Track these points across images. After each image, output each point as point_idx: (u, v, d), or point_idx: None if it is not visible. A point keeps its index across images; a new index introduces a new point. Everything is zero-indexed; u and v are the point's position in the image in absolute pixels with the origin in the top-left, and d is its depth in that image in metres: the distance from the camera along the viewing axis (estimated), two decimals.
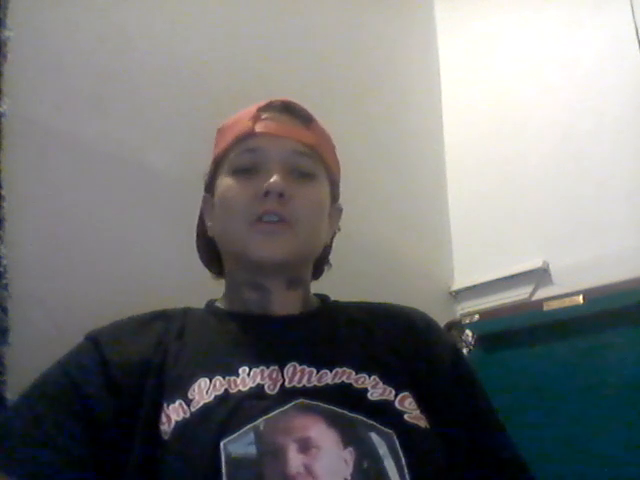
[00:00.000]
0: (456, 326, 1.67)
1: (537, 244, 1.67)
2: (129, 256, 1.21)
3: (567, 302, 1.48)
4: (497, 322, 1.63)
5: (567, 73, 1.69)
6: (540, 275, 1.64)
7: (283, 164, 0.85)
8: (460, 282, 1.81)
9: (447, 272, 1.83)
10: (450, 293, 1.81)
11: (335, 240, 0.96)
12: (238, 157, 0.86)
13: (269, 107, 0.88)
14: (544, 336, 1.51)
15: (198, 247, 0.97)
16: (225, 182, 0.86)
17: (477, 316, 1.67)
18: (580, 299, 1.46)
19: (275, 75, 1.49)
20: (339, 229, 0.96)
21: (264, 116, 0.87)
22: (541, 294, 1.62)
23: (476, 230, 1.82)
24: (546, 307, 1.52)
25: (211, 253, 0.94)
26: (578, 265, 1.56)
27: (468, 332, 1.64)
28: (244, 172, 0.85)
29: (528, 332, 1.54)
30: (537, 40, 1.79)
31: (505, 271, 1.70)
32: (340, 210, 0.95)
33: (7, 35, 1.07)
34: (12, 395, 0.90)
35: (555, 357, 1.47)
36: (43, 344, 0.92)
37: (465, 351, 1.62)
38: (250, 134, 0.86)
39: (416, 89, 1.97)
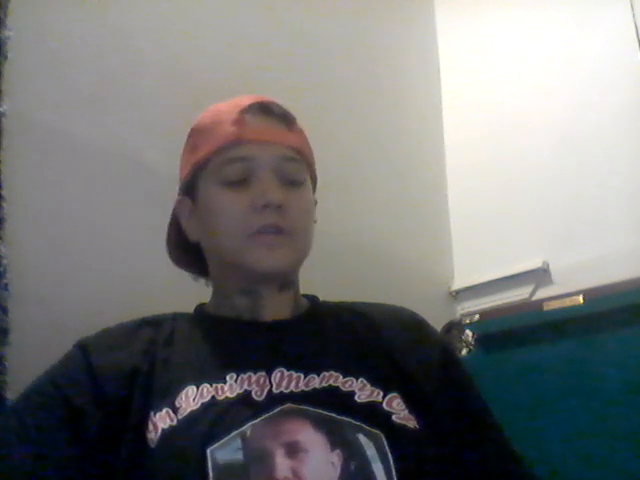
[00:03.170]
0: (456, 326, 1.67)
1: (537, 244, 1.67)
2: (129, 256, 1.20)
3: (567, 302, 1.48)
4: (497, 322, 1.62)
5: (567, 73, 1.69)
6: (540, 275, 1.64)
7: (274, 172, 0.84)
8: (460, 282, 1.81)
9: (447, 272, 1.83)
10: (450, 293, 1.81)
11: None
12: (227, 167, 0.84)
13: (251, 109, 0.86)
14: (544, 336, 1.50)
15: (170, 246, 0.95)
16: (214, 192, 0.84)
17: (477, 316, 1.67)
18: (580, 299, 1.46)
19: (275, 76, 1.49)
20: (315, 220, 0.95)
21: (248, 119, 0.85)
22: (541, 294, 1.62)
23: (476, 230, 1.82)
24: (546, 307, 1.52)
25: (189, 255, 0.94)
26: (578, 265, 1.56)
27: (468, 332, 1.64)
28: (235, 182, 0.83)
29: (528, 332, 1.54)
30: (537, 40, 1.79)
31: (505, 271, 1.70)
32: (315, 202, 0.94)
33: (7, 35, 1.07)
34: (12, 395, 0.90)
35: (555, 357, 1.47)
36: (43, 344, 0.92)
37: (465, 351, 1.62)
38: (238, 141, 0.84)
39: (416, 89, 1.96)
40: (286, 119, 0.88)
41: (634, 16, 1.56)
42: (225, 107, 0.88)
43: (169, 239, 0.95)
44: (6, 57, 1.07)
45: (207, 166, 0.86)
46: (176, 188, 0.95)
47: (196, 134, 0.90)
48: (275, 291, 0.86)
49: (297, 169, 0.87)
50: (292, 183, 0.85)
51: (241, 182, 0.83)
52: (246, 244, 0.82)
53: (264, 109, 0.87)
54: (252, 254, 0.81)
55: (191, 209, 0.89)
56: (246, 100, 0.87)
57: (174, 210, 0.93)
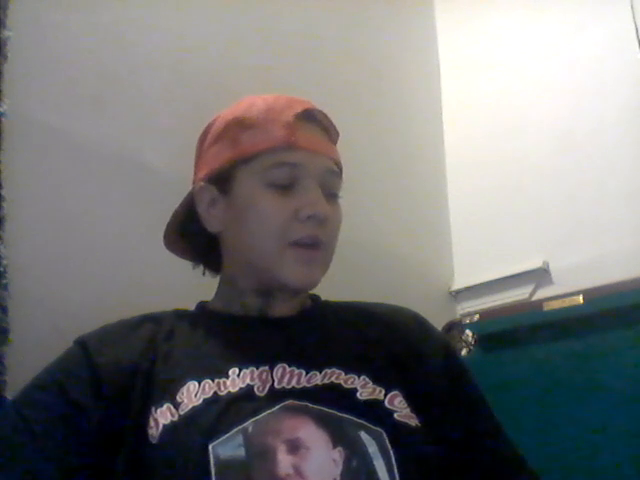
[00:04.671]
0: (456, 326, 1.67)
1: (537, 244, 1.67)
2: (129, 256, 1.21)
3: (567, 302, 1.48)
4: (497, 322, 1.63)
5: (567, 73, 1.69)
6: (540, 275, 1.64)
7: (320, 184, 0.83)
8: (460, 282, 1.81)
9: (447, 272, 1.83)
10: (450, 293, 1.81)
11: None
12: (276, 169, 0.82)
13: (303, 115, 0.84)
14: (544, 336, 1.50)
15: (169, 230, 0.92)
16: (257, 192, 0.82)
17: (477, 316, 1.67)
18: (580, 299, 1.46)
19: (276, 74, 1.49)
20: None
21: (300, 125, 0.83)
22: (541, 294, 1.63)
23: (476, 230, 1.82)
24: (546, 307, 1.52)
25: (193, 242, 0.92)
26: (578, 265, 1.56)
27: (468, 332, 1.64)
28: (279, 186, 0.82)
29: (528, 332, 1.54)
30: (537, 40, 1.79)
31: (505, 271, 1.70)
32: None
33: (7, 35, 1.07)
34: (12, 395, 0.90)
35: (555, 357, 1.47)
36: (43, 344, 0.92)
37: (465, 351, 1.62)
38: (290, 146, 0.82)
39: (416, 89, 1.97)
40: (331, 132, 0.88)
41: (634, 16, 1.56)
42: (273, 106, 0.86)
43: (170, 224, 0.92)
44: (6, 57, 1.07)
45: (251, 163, 0.83)
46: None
47: (238, 126, 0.85)
48: (290, 295, 0.87)
49: (337, 183, 0.87)
50: (331, 196, 0.86)
51: (286, 187, 0.82)
52: (281, 253, 0.81)
53: (314, 117, 0.86)
54: (288, 267, 0.81)
55: (215, 198, 0.86)
56: (297, 104, 0.86)
57: (190, 195, 0.90)
